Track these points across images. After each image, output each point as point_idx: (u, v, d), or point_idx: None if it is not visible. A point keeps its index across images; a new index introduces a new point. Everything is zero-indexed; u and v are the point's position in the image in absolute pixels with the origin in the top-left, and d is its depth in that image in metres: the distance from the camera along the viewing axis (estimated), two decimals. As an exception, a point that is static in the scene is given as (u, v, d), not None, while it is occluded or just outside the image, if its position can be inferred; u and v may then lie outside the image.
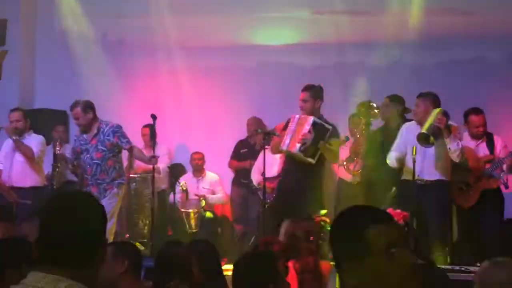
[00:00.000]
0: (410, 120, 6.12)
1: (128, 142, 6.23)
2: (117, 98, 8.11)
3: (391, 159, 5.88)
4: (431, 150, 5.64)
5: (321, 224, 4.95)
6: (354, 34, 8.10)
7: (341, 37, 8.11)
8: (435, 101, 5.75)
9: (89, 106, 6.19)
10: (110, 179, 6.15)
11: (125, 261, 3.05)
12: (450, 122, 5.66)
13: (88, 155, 6.12)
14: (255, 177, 7.26)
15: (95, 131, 6.16)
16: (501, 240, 5.71)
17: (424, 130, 5.55)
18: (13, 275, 2.71)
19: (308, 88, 5.95)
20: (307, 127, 5.74)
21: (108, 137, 6.14)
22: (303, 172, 5.80)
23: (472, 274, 4.78)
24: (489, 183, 5.97)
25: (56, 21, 8.81)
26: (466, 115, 6.10)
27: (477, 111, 6.06)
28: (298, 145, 5.73)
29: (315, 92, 5.93)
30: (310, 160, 5.75)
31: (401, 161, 5.86)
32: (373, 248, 1.62)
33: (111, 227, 6.12)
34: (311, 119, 5.77)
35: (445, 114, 5.60)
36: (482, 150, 6.07)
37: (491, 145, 6.05)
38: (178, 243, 3.66)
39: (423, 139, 5.53)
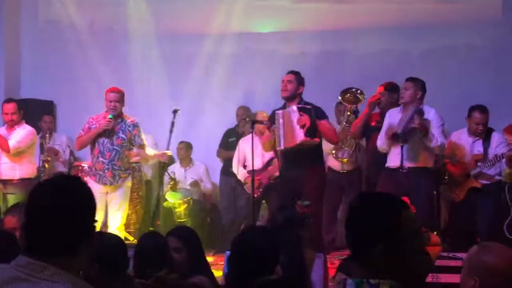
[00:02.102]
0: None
1: (143, 139, 6.46)
2: (103, 87, 8.06)
3: (381, 145, 5.86)
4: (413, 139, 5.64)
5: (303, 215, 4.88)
6: (337, 22, 8.09)
7: (323, 25, 8.10)
8: (423, 88, 5.73)
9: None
10: (124, 168, 6.37)
11: (94, 265, 2.76)
12: (426, 117, 5.60)
13: (108, 140, 6.25)
14: (239, 171, 7.22)
15: (118, 120, 6.33)
16: (493, 234, 5.77)
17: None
18: None
19: (294, 72, 5.93)
20: (295, 114, 5.67)
21: (129, 128, 6.35)
22: (305, 163, 5.72)
23: (460, 260, 4.85)
24: (476, 181, 6.00)
25: (40, 10, 8.73)
26: (471, 110, 6.05)
27: (482, 109, 5.99)
28: (301, 133, 5.62)
29: (299, 77, 5.90)
30: (316, 140, 5.71)
31: (390, 145, 5.81)
32: (404, 230, 1.76)
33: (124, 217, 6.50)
34: (293, 107, 5.71)
35: (420, 112, 5.54)
36: (477, 147, 6.05)
37: (487, 143, 6.02)
38: (156, 234, 3.64)
39: (395, 139, 5.57)
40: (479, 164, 5.98)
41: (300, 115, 5.64)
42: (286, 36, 8.29)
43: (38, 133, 7.40)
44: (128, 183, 6.48)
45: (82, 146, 6.52)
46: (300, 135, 5.63)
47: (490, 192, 6.02)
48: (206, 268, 3.53)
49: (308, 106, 5.75)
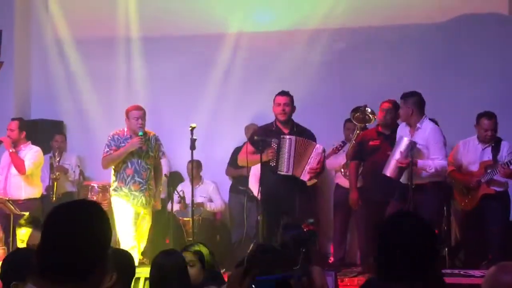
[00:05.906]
0: None
1: (164, 153, 6.50)
2: (115, 105, 8.08)
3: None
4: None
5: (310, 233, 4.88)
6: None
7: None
8: (416, 103, 5.66)
9: None
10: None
11: (113, 275, 2.81)
12: (418, 146, 5.53)
13: (141, 160, 6.12)
14: (255, 187, 7.17)
15: (146, 137, 6.18)
16: (505, 243, 5.71)
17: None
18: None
19: (287, 93, 5.90)
20: (317, 155, 5.71)
21: (153, 143, 6.26)
22: (292, 183, 5.78)
23: (472, 277, 4.82)
24: (488, 187, 5.94)
25: (48, 30, 8.79)
26: (479, 117, 6.05)
27: (490, 115, 6.00)
28: (307, 176, 5.73)
29: (292, 99, 5.90)
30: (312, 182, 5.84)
31: None
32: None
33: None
34: (320, 147, 5.77)
35: (412, 145, 5.47)
36: (487, 154, 6.03)
37: (496, 150, 6.00)
38: (172, 252, 3.66)
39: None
40: (489, 171, 5.93)
41: (319, 162, 5.72)
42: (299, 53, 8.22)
43: (49, 152, 7.45)
44: (152, 200, 6.38)
45: (110, 164, 6.16)
46: (305, 176, 5.75)
47: (503, 198, 5.96)
48: (219, 279, 3.54)
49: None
